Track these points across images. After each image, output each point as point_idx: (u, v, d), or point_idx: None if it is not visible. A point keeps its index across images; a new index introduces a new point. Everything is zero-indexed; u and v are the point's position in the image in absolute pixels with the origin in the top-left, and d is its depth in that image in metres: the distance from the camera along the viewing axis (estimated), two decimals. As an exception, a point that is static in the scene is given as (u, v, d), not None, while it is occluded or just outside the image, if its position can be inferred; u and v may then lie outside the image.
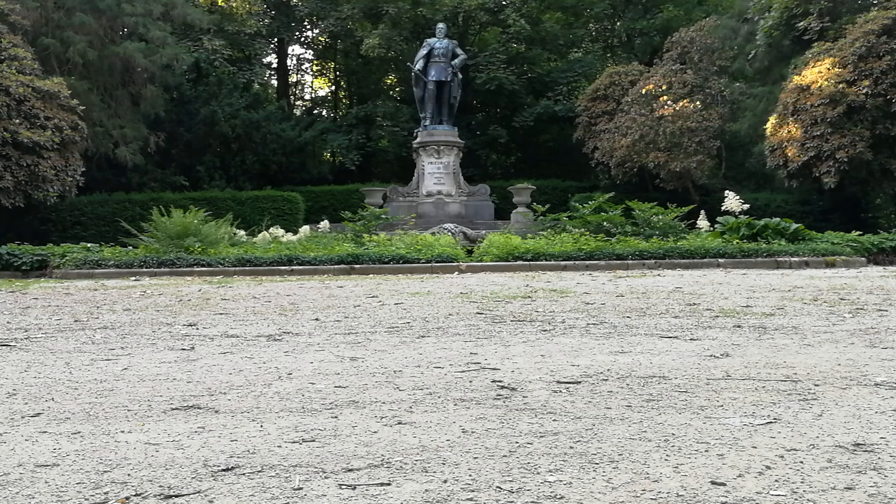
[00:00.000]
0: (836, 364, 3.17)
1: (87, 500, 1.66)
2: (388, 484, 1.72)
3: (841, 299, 5.91)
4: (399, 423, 2.27)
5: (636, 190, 19.85)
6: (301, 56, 33.55)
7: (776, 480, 1.71)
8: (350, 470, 1.83)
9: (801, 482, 1.69)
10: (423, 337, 4.18)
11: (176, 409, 2.54)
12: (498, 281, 8.64)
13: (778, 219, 13.41)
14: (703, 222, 14.30)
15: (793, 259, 11.04)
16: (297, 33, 30.89)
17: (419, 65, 20.90)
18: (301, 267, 11.00)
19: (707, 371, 3.04)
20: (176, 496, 1.67)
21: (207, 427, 2.28)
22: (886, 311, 5.14)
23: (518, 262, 11.04)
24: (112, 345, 4.09)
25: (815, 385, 2.75)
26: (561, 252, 11.29)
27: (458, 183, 20.63)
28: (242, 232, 14.50)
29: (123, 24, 20.82)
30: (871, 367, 3.10)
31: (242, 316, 5.40)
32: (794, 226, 12.83)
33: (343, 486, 1.71)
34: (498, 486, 1.69)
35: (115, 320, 5.27)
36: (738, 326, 4.40)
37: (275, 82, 31.33)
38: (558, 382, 2.86)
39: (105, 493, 1.69)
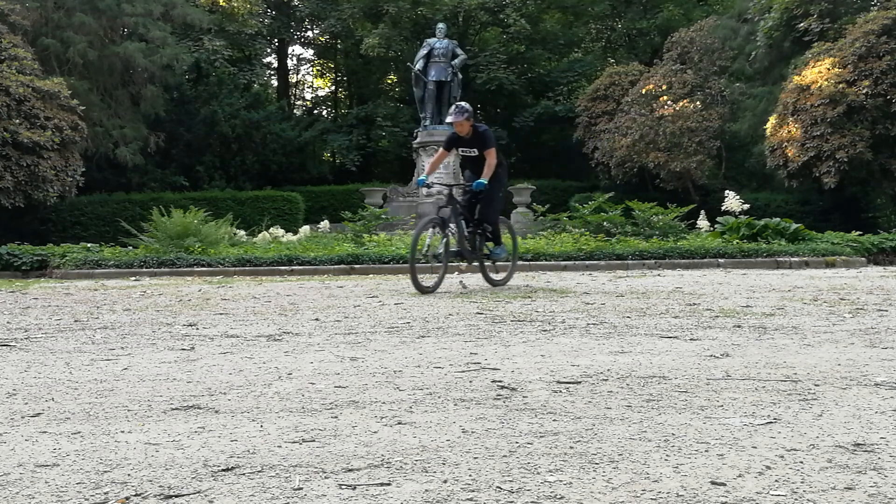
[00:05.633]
0: (836, 364, 3.17)
1: (87, 500, 1.66)
2: (388, 484, 1.72)
3: (841, 299, 5.91)
4: (399, 423, 2.27)
5: (636, 190, 19.85)
6: (301, 56, 33.59)
7: (776, 480, 1.71)
8: (350, 470, 1.83)
9: (801, 482, 1.69)
10: (423, 337, 4.18)
11: (176, 409, 2.54)
12: (498, 281, 8.62)
13: (778, 219, 13.41)
14: (703, 222, 14.29)
15: (793, 259, 11.04)
16: (297, 33, 30.90)
17: (419, 65, 20.89)
18: (301, 267, 11.00)
19: (707, 371, 3.04)
20: (176, 496, 1.67)
21: (207, 427, 2.28)
22: (886, 311, 5.14)
23: (518, 263, 11.02)
24: (112, 345, 4.09)
25: (815, 385, 2.75)
26: (561, 252, 11.28)
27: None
28: (242, 232, 14.50)
29: (123, 24, 20.83)
30: (871, 367, 3.10)
31: (242, 316, 5.40)
32: (794, 226, 12.83)
33: (343, 486, 1.71)
34: (498, 486, 1.68)
35: (115, 320, 5.27)
36: (738, 326, 4.40)
37: (275, 82, 31.33)
38: (558, 382, 2.86)
39: (105, 493, 1.69)
